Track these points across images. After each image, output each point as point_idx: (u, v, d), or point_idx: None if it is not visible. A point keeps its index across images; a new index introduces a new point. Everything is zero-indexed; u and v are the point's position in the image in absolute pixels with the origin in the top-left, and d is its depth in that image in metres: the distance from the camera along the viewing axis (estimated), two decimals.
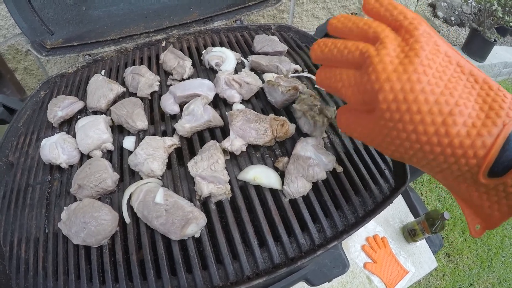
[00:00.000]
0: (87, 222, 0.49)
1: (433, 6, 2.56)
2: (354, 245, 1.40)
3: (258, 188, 0.54)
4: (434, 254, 1.46)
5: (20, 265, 0.53)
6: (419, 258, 1.41)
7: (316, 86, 0.73)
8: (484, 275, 1.71)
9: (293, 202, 0.53)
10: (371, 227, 1.46)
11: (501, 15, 1.96)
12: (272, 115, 0.59)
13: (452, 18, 2.49)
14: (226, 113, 0.60)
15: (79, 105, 0.70)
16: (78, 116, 0.71)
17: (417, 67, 0.33)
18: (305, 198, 0.54)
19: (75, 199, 0.56)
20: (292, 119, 0.62)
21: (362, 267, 1.33)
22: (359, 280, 1.31)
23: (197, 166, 0.51)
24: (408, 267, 1.36)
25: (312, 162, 0.51)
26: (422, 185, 1.95)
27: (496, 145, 0.31)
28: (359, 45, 0.37)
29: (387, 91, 0.34)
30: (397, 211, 1.50)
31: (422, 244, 1.43)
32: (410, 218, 1.47)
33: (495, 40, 2.13)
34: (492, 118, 0.31)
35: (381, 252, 1.39)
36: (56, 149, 0.61)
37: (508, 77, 2.81)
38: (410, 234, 1.41)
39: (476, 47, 2.20)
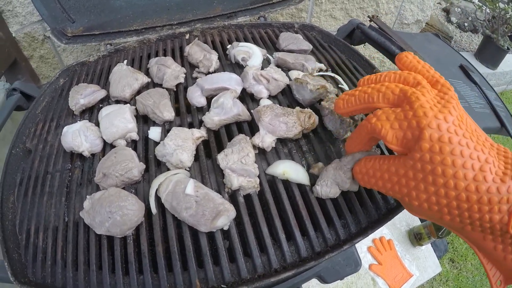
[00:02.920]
0: (113, 212, 0.48)
1: (447, 11, 2.56)
2: (360, 246, 1.40)
3: (286, 183, 0.54)
4: (438, 259, 1.46)
5: (37, 254, 0.52)
6: (424, 262, 1.41)
7: (340, 85, 0.73)
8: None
9: (319, 197, 0.53)
10: (378, 229, 1.46)
11: None
12: (298, 108, 0.59)
13: (466, 24, 2.49)
14: (252, 110, 0.60)
15: (102, 93, 0.70)
16: (100, 105, 0.70)
17: (457, 117, 0.35)
18: None
19: (98, 188, 0.55)
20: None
21: (368, 269, 1.33)
22: (363, 281, 1.32)
23: (227, 158, 0.51)
24: (413, 271, 1.37)
25: (351, 176, 0.51)
26: None
27: None
28: (399, 85, 0.39)
29: (435, 129, 0.34)
30: (404, 214, 1.50)
31: (427, 249, 1.44)
32: (417, 222, 1.47)
33: (508, 48, 2.13)
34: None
35: (387, 255, 1.39)
36: (79, 136, 0.60)
37: None
38: (416, 237, 1.41)
39: (489, 54, 2.20)
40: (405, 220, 1.49)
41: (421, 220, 1.49)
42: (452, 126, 0.34)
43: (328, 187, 0.50)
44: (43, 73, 1.18)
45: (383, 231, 1.46)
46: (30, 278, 0.50)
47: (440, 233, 1.29)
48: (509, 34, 2.14)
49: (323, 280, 0.64)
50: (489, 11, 2.17)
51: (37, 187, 0.59)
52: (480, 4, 2.10)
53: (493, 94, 1.01)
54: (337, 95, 0.63)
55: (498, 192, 0.32)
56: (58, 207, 0.56)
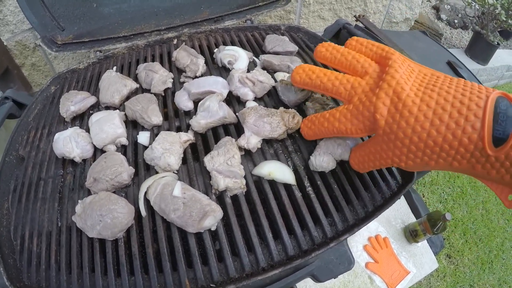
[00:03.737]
0: (104, 215, 0.50)
1: (436, 8, 2.58)
2: (356, 245, 1.41)
3: (272, 183, 0.55)
4: (435, 255, 1.48)
5: (32, 258, 0.53)
6: (420, 258, 1.42)
7: None
8: (484, 277, 1.73)
9: (306, 196, 0.54)
10: (373, 227, 1.47)
11: (504, 19, 1.98)
12: (282, 108, 0.60)
13: (456, 21, 2.51)
14: (237, 113, 0.61)
15: (92, 100, 0.71)
16: (91, 112, 0.71)
17: (398, 81, 0.39)
18: (317, 193, 0.55)
19: (89, 193, 0.57)
20: (301, 114, 0.64)
21: (364, 267, 1.34)
22: (360, 280, 1.32)
23: (213, 160, 0.52)
24: (410, 268, 1.38)
25: (341, 142, 0.54)
26: (424, 187, 1.97)
27: (488, 113, 0.33)
28: (350, 79, 0.44)
29: (381, 107, 0.39)
30: (399, 212, 1.52)
31: (423, 245, 1.45)
32: (412, 219, 1.49)
33: (498, 43, 2.15)
34: (474, 100, 0.35)
35: (383, 252, 1.40)
36: (70, 143, 0.61)
37: (511, 80, 2.83)
38: (411, 234, 1.42)
39: (479, 50, 2.22)
40: (400, 217, 1.50)
41: (416, 217, 1.51)
42: (398, 87, 0.39)
43: (322, 156, 0.53)
44: (35, 80, 1.19)
45: (379, 229, 1.47)
46: (26, 283, 0.51)
47: (435, 230, 1.30)
48: (498, 30, 2.16)
49: (316, 279, 0.65)
50: (478, 8, 2.19)
51: (30, 193, 0.60)
52: (470, 1, 2.12)
53: None
54: (323, 96, 0.64)
55: (457, 124, 0.34)
56: (51, 212, 0.57)
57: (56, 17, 0.86)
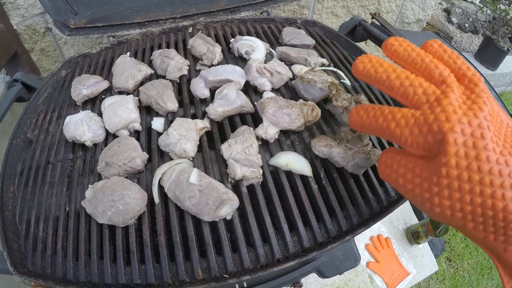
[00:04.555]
0: (116, 200, 0.48)
1: (447, 11, 2.57)
2: (358, 243, 1.41)
3: (289, 174, 0.54)
4: (435, 258, 1.48)
5: (37, 244, 0.51)
6: (421, 260, 1.42)
7: (342, 80, 0.73)
8: (483, 282, 1.73)
9: (321, 189, 0.53)
10: (376, 227, 1.47)
11: None
12: (301, 101, 0.59)
13: (466, 25, 2.50)
14: (255, 102, 0.60)
15: (105, 84, 0.70)
16: (103, 96, 0.70)
17: (485, 117, 0.32)
18: (333, 186, 0.54)
19: (100, 178, 0.55)
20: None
21: (365, 266, 1.34)
22: (361, 279, 1.32)
23: (231, 149, 0.51)
24: (410, 269, 1.38)
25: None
26: None
27: None
28: (423, 84, 0.36)
29: (458, 133, 0.32)
30: (402, 213, 1.51)
31: (424, 247, 1.45)
32: (414, 220, 1.49)
33: (508, 49, 2.14)
34: None
35: (384, 252, 1.40)
36: (81, 126, 0.60)
37: None
38: (413, 236, 1.42)
39: (489, 55, 2.21)
40: (402, 218, 1.50)
41: (419, 219, 1.50)
42: (478, 130, 0.32)
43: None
44: (44, 66, 1.18)
45: (381, 229, 1.46)
46: (30, 268, 0.50)
47: (437, 232, 1.30)
48: (509, 36, 2.15)
49: (322, 274, 0.64)
50: (489, 12, 2.18)
51: (38, 177, 0.59)
52: (481, 5, 2.11)
53: (492, 93, 1.01)
54: (340, 90, 0.63)
55: None
56: (59, 197, 0.55)
57: (70, 1, 0.84)
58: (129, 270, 0.48)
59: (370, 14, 0.95)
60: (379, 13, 0.95)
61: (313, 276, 1.24)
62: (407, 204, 1.55)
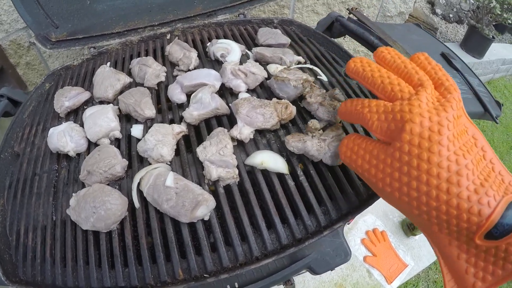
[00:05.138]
0: (97, 207, 0.50)
1: (431, 3, 2.58)
2: (354, 238, 1.41)
3: (265, 173, 0.55)
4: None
5: (27, 253, 0.53)
6: (418, 251, 1.43)
7: (318, 77, 0.74)
8: None
9: (299, 186, 0.55)
10: (371, 221, 1.48)
11: (499, 12, 1.99)
12: (275, 99, 0.60)
13: (451, 15, 2.52)
14: (230, 104, 0.61)
15: (86, 95, 0.71)
16: (85, 107, 0.71)
17: (446, 118, 0.35)
18: (311, 182, 0.55)
19: (83, 186, 0.57)
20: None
21: (362, 261, 1.35)
22: (359, 273, 1.33)
23: (206, 151, 0.52)
24: (408, 261, 1.38)
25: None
26: None
27: (497, 211, 0.32)
28: (401, 83, 0.40)
29: (416, 124, 0.35)
30: None
31: (421, 238, 1.45)
32: None
33: (493, 37, 2.16)
34: (493, 189, 0.33)
35: (381, 246, 1.40)
36: (64, 137, 0.61)
37: (506, 74, 2.83)
38: (409, 228, 1.43)
39: (474, 44, 2.23)
40: (397, 211, 1.50)
41: None
42: (436, 126, 0.35)
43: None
44: (30, 79, 1.19)
45: (376, 223, 1.47)
46: (21, 277, 0.51)
47: None
48: (493, 23, 2.17)
49: (313, 271, 0.65)
50: (473, 1, 2.20)
51: (25, 189, 0.61)
52: None
53: (476, 80, 1.02)
54: (313, 85, 0.64)
55: (469, 200, 0.32)
56: (46, 207, 0.57)
57: (50, 14, 0.86)
58: (114, 274, 0.49)
59: (347, 9, 0.97)
60: (357, 8, 0.96)
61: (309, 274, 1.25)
62: None
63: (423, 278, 1.66)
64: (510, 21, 2.00)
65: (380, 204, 1.50)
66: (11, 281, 0.50)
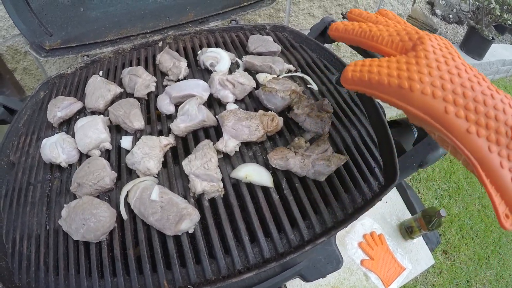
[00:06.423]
0: (87, 219, 0.51)
1: (431, 4, 2.56)
2: (351, 242, 1.41)
3: (250, 186, 0.56)
4: (431, 251, 1.47)
5: (22, 261, 0.55)
6: (416, 255, 1.42)
7: (308, 85, 0.74)
8: (481, 272, 1.73)
9: (283, 199, 0.55)
10: (368, 224, 1.48)
11: (499, 13, 1.97)
12: (261, 111, 0.61)
13: (450, 16, 2.49)
14: (216, 116, 0.62)
15: (78, 105, 0.72)
16: (77, 116, 0.72)
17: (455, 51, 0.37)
18: (296, 195, 0.56)
19: (75, 197, 0.58)
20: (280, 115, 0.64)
21: (359, 264, 1.35)
22: (356, 277, 1.33)
23: (191, 164, 0.53)
24: (405, 264, 1.38)
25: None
26: (419, 183, 1.97)
27: None
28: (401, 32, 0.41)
29: (432, 39, 0.38)
30: (394, 208, 1.51)
31: (419, 241, 1.45)
32: (407, 215, 1.48)
33: (493, 38, 2.14)
34: None
35: (378, 249, 1.40)
36: (56, 149, 0.62)
37: (506, 75, 2.81)
38: (407, 231, 1.42)
39: (474, 45, 2.21)
40: (395, 214, 1.50)
41: (412, 213, 1.50)
42: (447, 48, 0.37)
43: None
44: (28, 84, 1.20)
45: (374, 226, 1.47)
46: (17, 284, 0.53)
47: (430, 226, 1.30)
48: (493, 24, 2.14)
49: (304, 278, 0.66)
50: (473, 2, 2.17)
51: (21, 198, 0.62)
52: None
53: None
54: (302, 96, 0.64)
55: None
56: (40, 216, 0.59)
57: (44, 22, 0.86)
58: (103, 283, 0.51)
59: (341, 14, 0.96)
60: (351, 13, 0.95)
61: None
62: (400, 199, 1.55)
63: (421, 281, 1.66)
64: (510, 22, 1.97)
65: (378, 207, 1.50)
66: (7, 287, 0.51)
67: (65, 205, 0.56)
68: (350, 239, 1.43)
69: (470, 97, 0.33)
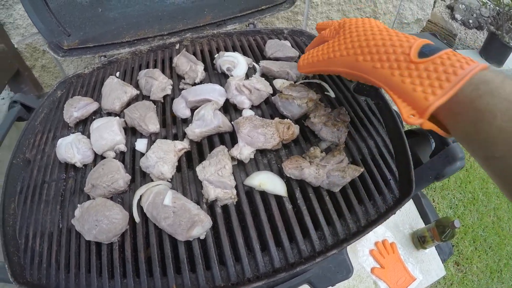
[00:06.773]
0: (99, 220, 0.52)
1: (451, 8, 2.50)
2: (362, 249, 1.39)
3: (264, 194, 0.55)
4: (443, 262, 1.44)
5: (34, 257, 0.56)
6: (428, 265, 1.39)
7: (326, 92, 0.73)
8: (493, 285, 1.68)
9: (296, 208, 0.55)
10: (381, 232, 1.45)
11: None
12: (277, 119, 0.60)
13: (470, 21, 2.43)
14: (232, 122, 0.62)
15: (94, 106, 0.73)
16: (93, 117, 0.73)
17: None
18: (309, 206, 0.55)
19: (89, 197, 0.59)
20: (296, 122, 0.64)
21: (370, 272, 1.33)
22: (365, 285, 1.31)
23: (205, 170, 0.53)
24: (416, 274, 1.35)
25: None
26: (434, 191, 1.93)
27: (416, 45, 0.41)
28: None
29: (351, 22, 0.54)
30: (408, 217, 1.49)
31: (431, 252, 1.42)
32: (421, 224, 1.46)
33: None
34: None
35: (390, 258, 1.38)
36: (71, 149, 0.63)
37: None
38: (419, 240, 1.39)
39: (494, 51, 2.15)
40: (408, 222, 1.47)
41: (425, 223, 1.47)
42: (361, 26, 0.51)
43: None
44: (46, 82, 1.23)
45: (386, 234, 1.44)
46: (28, 279, 0.54)
47: (443, 237, 1.27)
48: None
49: (314, 286, 0.65)
50: (493, 7, 2.11)
51: (35, 195, 0.63)
52: (485, 1, 2.05)
53: None
54: (319, 104, 0.63)
55: (399, 40, 0.43)
56: (53, 215, 0.59)
57: (62, 22, 0.88)
58: (113, 284, 0.51)
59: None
60: (374, 17, 0.94)
61: None
62: (414, 208, 1.53)
63: None
64: None
65: (392, 216, 1.48)
66: (18, 282, 0.53)
67: (78, 205, 0.56)
68: (361, 246, 1.41)
69: (371, 46, 0.45)
